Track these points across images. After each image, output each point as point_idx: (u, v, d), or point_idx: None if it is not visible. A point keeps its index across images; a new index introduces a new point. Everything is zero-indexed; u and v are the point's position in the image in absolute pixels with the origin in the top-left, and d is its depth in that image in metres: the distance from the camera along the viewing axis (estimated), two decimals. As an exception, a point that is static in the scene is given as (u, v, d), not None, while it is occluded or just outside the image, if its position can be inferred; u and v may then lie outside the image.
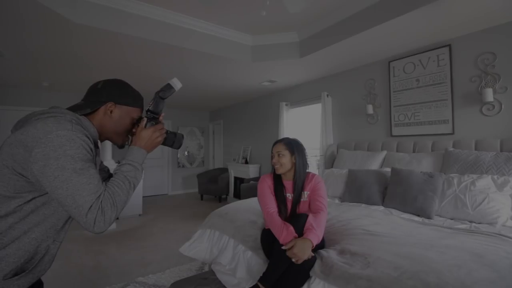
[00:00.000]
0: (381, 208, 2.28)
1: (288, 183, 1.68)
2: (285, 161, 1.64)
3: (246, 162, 5.65)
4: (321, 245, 1.50)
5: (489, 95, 2.33)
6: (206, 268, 2.45)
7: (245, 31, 3.20)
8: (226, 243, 1.96)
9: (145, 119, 0.92)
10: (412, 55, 2.97)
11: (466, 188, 1.98)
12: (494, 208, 1.82)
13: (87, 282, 2.43)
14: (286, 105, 4.67)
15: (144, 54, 3.09)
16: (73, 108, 0.86)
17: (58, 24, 2.34)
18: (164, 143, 0.97)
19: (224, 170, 6.50)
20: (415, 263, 1.16)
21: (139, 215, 4.89)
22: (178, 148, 1.00)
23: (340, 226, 1.77)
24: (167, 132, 0.96)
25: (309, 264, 1.33)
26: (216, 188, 5.88)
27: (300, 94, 4.53)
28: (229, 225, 2.02)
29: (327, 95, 3.87)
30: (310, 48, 3.13)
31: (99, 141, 0.92)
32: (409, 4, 2.19)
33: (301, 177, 1.65)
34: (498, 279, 1.04)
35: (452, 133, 2.66)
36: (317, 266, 1.33)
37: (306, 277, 1.34)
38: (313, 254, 1.34)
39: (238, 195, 5.53)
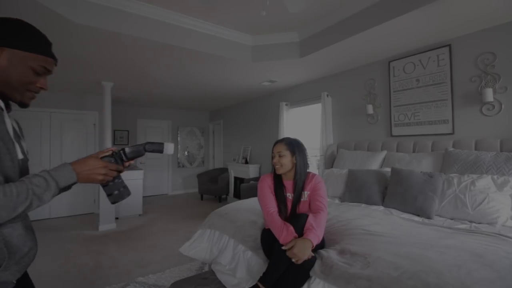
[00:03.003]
0: (381, 208, 2.28)
1: (288, 183, 1.68)
2: (286, 161, 1.64)
3: (246, 162, 5.65)
4: (321, 245, 1.50)
5: (489, 95, 2.33)
6: (206, 268, 2.45)
7: (245, 31, 3.20)
8: (226, 243, 1.96)
9: (111, 152, 0.82)
10: (412, 55, 2.97)
11: (466, 188, 1.98)
12: (494, 208, 1.82)
13: (87, 282, 2.43)
14: (286, 105, 4.67)
15: (144, 54, 3.09)
16: None
17: (58, 24, 2.33)
18: (103, 186, 0.83)
19: (224, 170, 6.51)
20: (415, 263, 1.16)
21: (139, 215, 4.89)
22: (112, 203, 0.86)
23: (340, 226, 1.77)
24: (114, 180, 0.83)
25: (309, 264, 1.33)
26: (216, 188, 5.88)
27: (300, 94, 4.53)
28: (229, 225, 2.02)
29: (327, 95, 3.87)
30: (310, 48, 3.13)
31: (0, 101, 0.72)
32: (409, 4, 2.19)
33: (301, 177, 1.65)
34: (498, 279, 1.04)
35: (452, 133, 2.66)
36: (317, 266, 1.33)
37: (306, 277, 1.34)
38: (313, 254, 1.34)
39: (238, 195, 5.53)
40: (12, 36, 0.72)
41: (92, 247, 3.30)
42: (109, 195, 0.84)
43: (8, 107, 0.77)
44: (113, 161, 0.81)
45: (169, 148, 0.87)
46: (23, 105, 0.78)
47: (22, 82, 0.74)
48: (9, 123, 0.74)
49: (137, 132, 6.61)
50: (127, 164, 0.85)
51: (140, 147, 0.84)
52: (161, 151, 0.86)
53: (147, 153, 0.88)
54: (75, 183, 0.74)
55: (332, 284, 1.23)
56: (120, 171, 0.82)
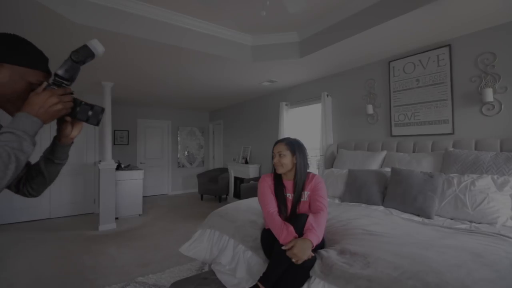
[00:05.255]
0: (381, 208, 2.28)
1: (288, 183, 1.68)
2: (286, 161, 1.64)
3: (246, 162, 5.65)
4: (321, 245, 1.50)
5: (489, 95, 2.33)
6: (206, 268, 2.45)
7: (245, 31, 3.20)
8: (226, 243, 1.96)
9: (45, 83, 0.74)
10: (412, 55, 2.97)
11: (466, 188, 1.98)
12: (494, 208, 1.82)
13: (87, 282, 2.43)
14: (286, 105, 4.67)
15: (144, 54, 3.09)
16: None
17: (58, 24, 2.34)
18: (72, 116, 0.79)
19: (224, 170, 6.51)
20: (415, 263, 1.16)
21: (139, 215, 4.89)
22: (96, 124, 0.81)
23: (340, 226, 1.77)
24: (76, 101, 0.78)
25: (309, 264, 1.33)
26: (216, 188, 5.88)
27: (300, 94, 4.53)
28: (229, 225, 2.02)
29: (327, 95, 3.87)
30: (310, 48, 3.13)
31: None
32: (409, 4, 2.19)
33: (302, 177, 1.65)
34: (498, 279, 1.04)
35: (452, 133, 2.66)
36: (317, 266, 1.33)
37: (306, 277, 1.34)
38: (313, 254, 1.34)
39: (238, 195, 5.53)
40: (11, 52, 0.74)
41: (92, 247, 3.30)
42: (86, 120, 0.80)
43: None
44: (55, 88, 0.74)
45: (94, 45, 0.77)
46: None
47: (19, 97, 0.75)
48: None
49: (137, 132, 6.61)
50: (69, 84, 0.78)
51: (68, 61, 0.75)
52: (92, 55, 0.77)
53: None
54: (42, 125, 0.72)
55: (332, 284, 1.23)
56: (71, 93, 0.77)
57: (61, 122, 0.82)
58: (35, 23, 2.32)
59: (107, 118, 4.28)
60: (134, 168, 5.26)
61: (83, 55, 0.76)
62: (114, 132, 6.21)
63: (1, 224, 4.35)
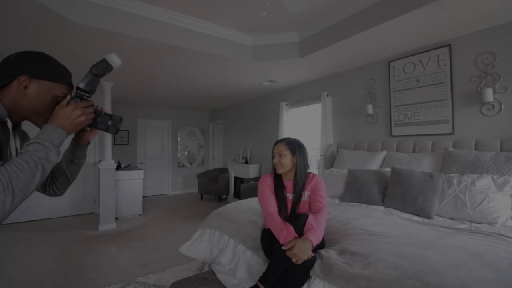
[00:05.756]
0: (381, 208, 2.28)
1: (288, 183, 1.68)
2: (286, 161, 1.64)
3: (246, 162, 5.65)
4: (321, 245, 1.50)
5: (489, 95, 2.33)
6: (206, 268, 2.45)
7: (245, 31, 3.20)
8: (226, 243, 1.96)
9: (69, 97, 0.80)
10: (412, 55, 2.97)
11: (466, 188, 1.98)
12: (494, 208, 1.82)
13: (87, 282, 2.43)
14: (286, 105, 4.67)
15: (144, 54, 3.09)
16: None
17: (57, 23, 2.33)
18: (93, 126, 0.85)
19: (224, 170, 6.51)
20: (415, 263, 1.16)
21: (139, 215, 4.89)
22: (115, 133, 0.87)
23: (340, 226, 1.77)
24: (97, 112, 0.84)
25: (309, 264, 1.33)
26: (216, 188, 5.88)
27: (300, 94, 4.53)
28: (229, 225, 2.02)
29: (327, 95, 3.87)
30: (310, 48, 3.13)
31: (9, 121, 0.80)
32: (409, 4, 2.19)
33: (302, 177, 1.65)
34: (498, 279, 1.04)
35: (452, 133, 2.66)
36: (317, 266, 1.33)
37: (306, 277, 1.34)
38: (313, 254, 1.34)
39: (238, 195, 5.53)
40: (39, 68, 0.80)
41: (92, 247, 3.30)
42: (106, 129, 0.85)
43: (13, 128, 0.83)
44: (78, 100, 0.80)
45: (112, 59, 0.82)
46: None
47: (46, 109, 0.81)
48: (13, 145, 0.82)
49: (137, 132, 6.61)
50: (89, 96, 0.84)
51: (89, 75, 0.81)
52: (110, 68, 0.82)
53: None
54: (66, 136, 0.78)
55: (332, 284, 1.23)
56: (92, 105, 0.83)
57: (81, 129, 0.86)
58: (35, 23, 2.32)
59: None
60: (134, 168, 5.26)
61: (102, 68, 0.81)
62: (114, 132, 6.21)
63: (1, 224, 4.34)
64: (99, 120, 0.84)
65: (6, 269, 2.71)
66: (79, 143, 0.91)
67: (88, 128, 0.87)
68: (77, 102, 0.79)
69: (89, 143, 0.94)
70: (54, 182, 0.94)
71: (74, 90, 0.83)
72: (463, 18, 2.28)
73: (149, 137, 6.83)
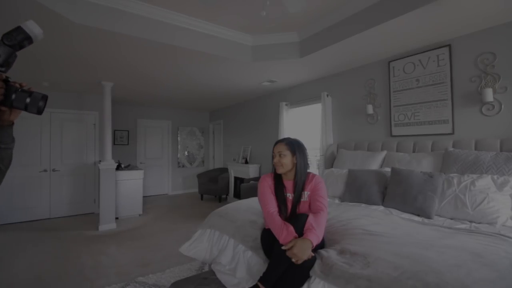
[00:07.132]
0: (381, 208, 2.28)
1: (288, 183, 1.68)
2: (287, 161, 1.64)
3: (246, 162, 5.65)
4: (321, 245, 1.50)
5: (489, 95, 2.33)
6: (206, 268, 2.45)
7: (245, 31, 3.20)
8: (226, 243, 1.96)
9: None
10: (412, 55, 2.97)
11: (466, 188, 1.98)
12: (494, 208, 1.82)
13: (87, 282, 2.43)
14: (286, 105, 4.67)
15: (144, 54, 3.09)
16: None
17: (57, 23, 2.33)
18: (7, 104, 0.72)
19: (224, 170, 6.51)
20: (415, 263, 1.16)
21: (139, 215, 4.89)
22: (37, 113, 0.74)
23: (340, 226, 1.77)
24: (11, 88, 0.71)
25: (309, 264, 1.33)
26: (216, 188, 5.88)
27: (300, 94, 4.53)
28: (229, 225, 2.02)
29: (327, 95, 3.87)
30: (310, 48, 3.13)
31: None
32: (409, 4, 2.19)
33: (302, 177, 1.65)
34: (498, 279, 1.04)
35: (452, 133, 2.66)
36: (317, 266, 1.33)
37: (306, 277, 1.34)
38: (313, 254, 1.34)
39: (238, 195, 5.54)
40: None
41: (92, 247, 3.30)
42: (25, 108, 0.73)
43: None
44: None
45: (30, 26, 0.71)
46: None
47: None
48: None
49: (137, 132, 6.61)
50: (3, 69, 0.71)
51: (0, 45, 0.69)
52: (28, 37, 0.71)
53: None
54: None
55: (332, 284, 1.23)
56: (3, 79, 0.71)
57: None
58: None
59: (106, 118, 4.28)
60: (134, 168, 5.26)
61: (17, 38, 0.69)
62: (114, 132, 6.21)
63: (1, 224, 4.35)
64: (15, 98, 0.71)
65: (6, 269, 2.71)
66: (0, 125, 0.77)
67: (5, 108, 0.73)
68: None
69: (13, 123, 0.79)
70: None
71: None
72: (463, 18, 2.28)
73: (149, 137, 6.83)
